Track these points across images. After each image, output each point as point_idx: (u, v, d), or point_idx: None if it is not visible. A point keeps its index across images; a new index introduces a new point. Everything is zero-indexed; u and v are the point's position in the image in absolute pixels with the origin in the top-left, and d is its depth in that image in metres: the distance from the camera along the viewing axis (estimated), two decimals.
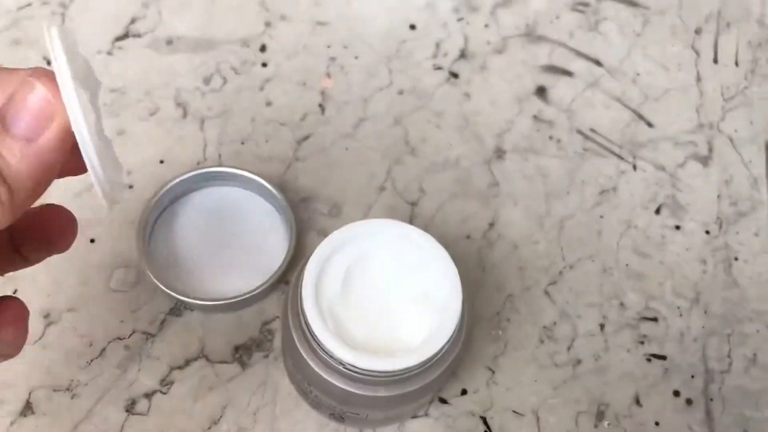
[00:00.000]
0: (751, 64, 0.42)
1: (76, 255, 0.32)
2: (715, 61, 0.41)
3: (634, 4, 0.42)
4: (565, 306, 0.34)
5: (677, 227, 0.37)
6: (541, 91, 0.39)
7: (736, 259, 0.36)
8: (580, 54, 0.41)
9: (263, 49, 0.39)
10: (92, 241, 0.34)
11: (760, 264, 0.36)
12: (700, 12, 0.43)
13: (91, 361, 0.32)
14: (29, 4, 0.39)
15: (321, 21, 0.40)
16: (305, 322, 0.25)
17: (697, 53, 0.42)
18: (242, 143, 0.37)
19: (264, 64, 0.38)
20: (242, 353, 0.32)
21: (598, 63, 0.41)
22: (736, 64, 0.41)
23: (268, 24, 0.39)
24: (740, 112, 0.40)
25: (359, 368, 0.24)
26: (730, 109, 0.40)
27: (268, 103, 0.38)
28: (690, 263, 0.36)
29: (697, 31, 0.42)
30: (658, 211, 0.37)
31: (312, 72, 0.39)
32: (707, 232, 0.37)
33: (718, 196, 0.38)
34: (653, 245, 0.36)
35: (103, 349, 0.32)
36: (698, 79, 0.41)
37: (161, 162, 0.36)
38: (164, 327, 0.33)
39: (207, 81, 0.38)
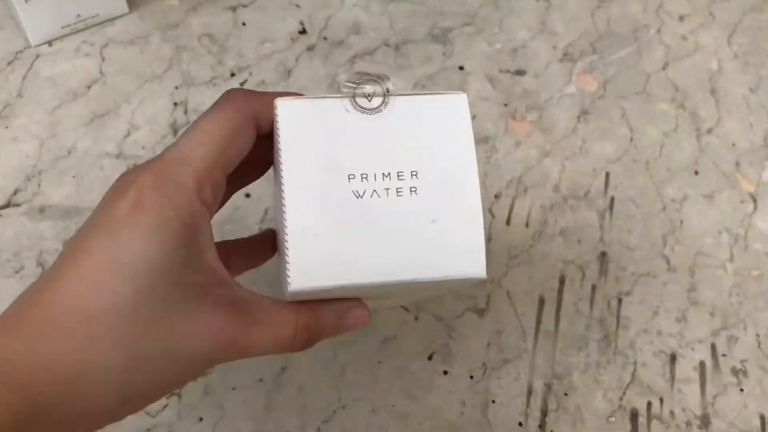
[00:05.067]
0: (541, 225, 0.48)
1: None
2: (508, 222, 0.48)
3: None
4: None
5: (445, 372, 0.43)
6: None
7: (493, 401, 0.42)
8: None
9: None
10: None
11: (514, 407, 0.42)
12: (503, 178, 0.50)
13: None
14: None
15: None
16: None
17: (493, 216, 0.48)
18: None
19: None
20: None
21: None
22: (527, 225, 0.48)
23: None
24: (522, 269, 0.46)
25: None
26: (513, 266, 0.47)
27: None
28: (450, 405, 0.42)
29: (497, 196, 0.49)
30: (430, 358, 0.43)
31: None
32: (471, 377, 0.43)
33: (488, 345, 0.44)
34: (421, 387, 0.42)
35: None
36: (489, 239, 0.48)
37: None
38: None
39: (67, 243, 0.46)
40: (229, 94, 0.26)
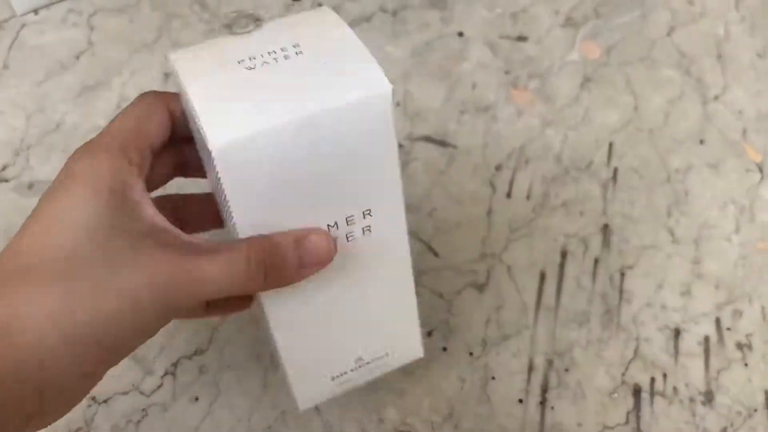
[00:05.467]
0: (542, 197, 0.47)
1: None
2: (509, 195, 0.47)
3: (444, 144, 0.48)
4: (330, 418, 0.40)
5: (444, 349, 0.42)
6: None
7: (493, 378, 0.41)
8: None
9: None
10: None
11: (514, 383, 0.41)
12: (503, 149, 0.48)
13: None
14: None
15: None
16: None
17: (494, 188, 0.47)
18: None
19: None
20: None
21: None
22: (528, 197, 0.47)
23: None
24: (523, 243, 0.45)
25: None
26: (513, 240, 0.46)
27: None
28: (450, 381, 0.41)
29: (498, 168, 0.48)
30: (429, 334, 0.43)
31: None
32: (470, 354, 0.42)
33: (487, 321, 0.43)
34: (420, 364, 0.42)
35: None
36: (489, 212, 0.46)
37: None
38: None
39: None
40: (141, 94, 0.29)
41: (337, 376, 0.34)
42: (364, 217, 0.29)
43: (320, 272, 0.28)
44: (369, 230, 0.29)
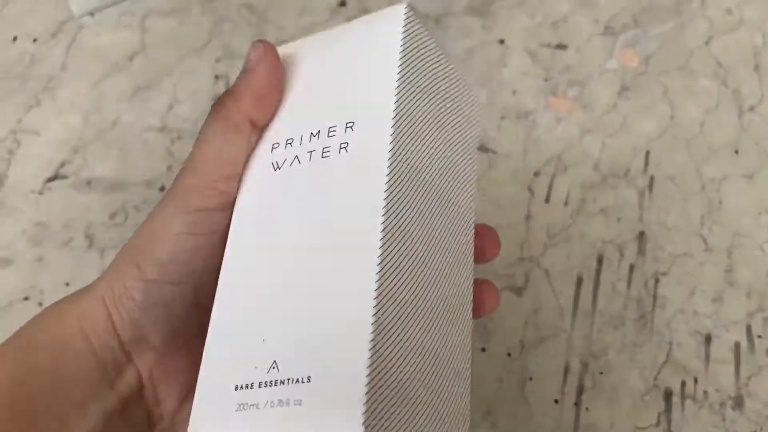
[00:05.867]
0: (580, 203, 0.48)
1: None
2: (547, 200, 0.49)
3: (485, 149, 0.50)
4: None
5: (483, 349, 0.44)
6: None
7: (530, 379, 0.43)
8: None
9: (162, 189, 0.48)
10: None
11: (550, 384, 0.43)
12: (542, 155, 0.50)
13: None
14: None
15: None
16: None
17: (532, 193, 0.49)
18: None
19: None
20: None
21: None
22: (566, 203, 0.48)
23: (169, 168, 0.49)
24: (560, 248, 0.47)
25: None
26: (551, 245, 0.47)
27: None
28: (488, 381, 0.43)
29: (537, 173, 0.49)
30: None
31: None
32: (509, 355, 0.44)
33: (525, 323, 0.45)
34: None
35: None
36: (528, 217, 0.48)
37: (67, 284, 0.45)
38: None
39: (113, 216, 0.47)
40: None
41: (242, 387, 0.23)
42: (345, 131, 0.25)
43: (282, 190, 0.26)
44: (345, 149, 0.25)
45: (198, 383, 0.24)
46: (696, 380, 0.43)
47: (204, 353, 0.25)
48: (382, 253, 0.22)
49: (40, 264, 0.46)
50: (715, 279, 0.46)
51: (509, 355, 0.44)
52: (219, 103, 0.28)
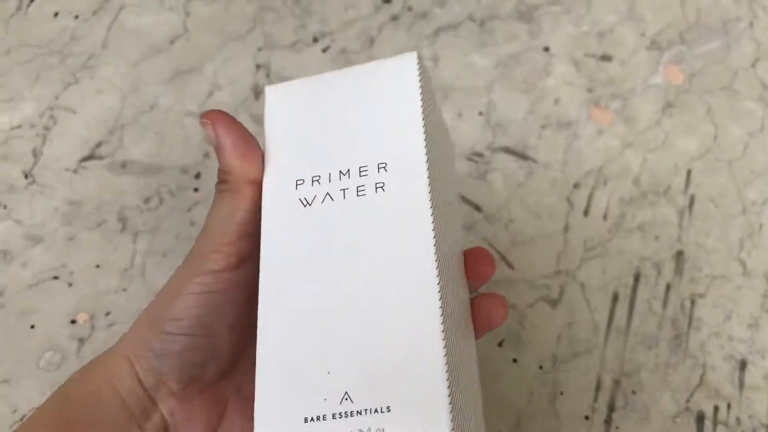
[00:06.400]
0: (619, 218, 0.48)
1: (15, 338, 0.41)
2: (586, 213, 0.48)
3: (525, 157, 0.49)
4: None
5: (515, 360, 0.43)
6: None
7: (561, 393, 0.42)
8: (464, 199, 0.48)
9: (198, 176, 0.48)
10: (32, 327, 0.43)
11: (581, 400, 0.42)
12: (582, 167, 0.49)
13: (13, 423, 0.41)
14: (20, 126, 0.49)
15: None
16: None
17: (571, 205, 0.48)
18: (164, 256, 0.45)
19: (196, 189, 0.47)
20: None
21: (478, 208, 0.48)
22: (605, 217, 0.48)
23: (206, 155, 0.48)
24: (597, 262, 0.46)
25: None
26: (588, 258, 0.46)
27: (192, 223, 0.46)
28: (519, 393, 0.42)
29: (576, 185, 0.49)
30: (500, 344, 0.44)
31: None
32: (540, 367, 0.43)
33: (558, 336, 0.44)
34: (490, 374, 0.43)
35: (23, 416, 0.41)
36: (566, 229, 0.47)
37: (97, 266, 0.45)
38: None
39: (147, 201, 0.47)
40: None
41: (312, 420, 0.23)
42: (378, 171, 0.26)
43: (318, 225, 0.26)
44: (382, 188, 0.26)
45: (256, 419, 0.24)
46: (729, 406, 0.43)
47: (256, 390, 0.25)
48: (438, 281, 0.24)
49: (72, 244, 0.45)
50: (752, 304, 0.46)
51: (541, 367, 0.43)
52: (218, 182, 0.30)
